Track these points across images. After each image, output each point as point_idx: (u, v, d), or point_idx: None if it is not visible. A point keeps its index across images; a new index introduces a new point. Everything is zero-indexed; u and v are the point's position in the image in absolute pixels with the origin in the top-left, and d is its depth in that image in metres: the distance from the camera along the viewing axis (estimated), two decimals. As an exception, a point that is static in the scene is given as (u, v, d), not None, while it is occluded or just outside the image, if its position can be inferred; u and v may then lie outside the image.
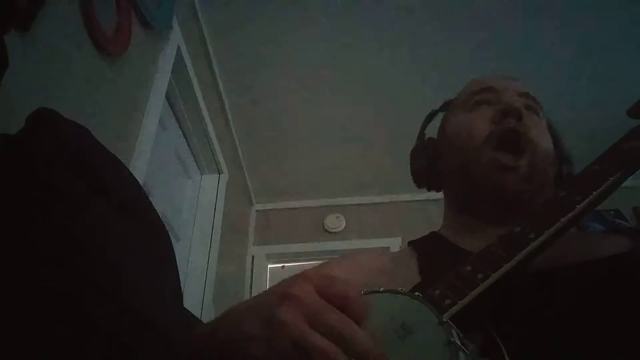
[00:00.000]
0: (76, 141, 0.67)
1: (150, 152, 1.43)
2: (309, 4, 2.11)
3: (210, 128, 2.24)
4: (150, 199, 0.76)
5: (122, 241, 0.61)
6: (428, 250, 0.67)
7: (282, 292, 0.35)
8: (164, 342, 0.51)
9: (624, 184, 0.51)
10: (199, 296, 2.05)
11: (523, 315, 0.47)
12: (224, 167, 2.50)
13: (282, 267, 3.32)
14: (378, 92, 2.59)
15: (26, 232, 0.50)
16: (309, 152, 3.04)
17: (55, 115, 0.69)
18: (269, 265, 3.30)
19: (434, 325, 0.37)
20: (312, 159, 3.10)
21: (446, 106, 0.82)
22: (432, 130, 0.83)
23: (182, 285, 0.81)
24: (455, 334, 0.35)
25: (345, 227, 3.39)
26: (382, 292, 0.42)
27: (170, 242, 0.73)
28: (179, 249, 1.98)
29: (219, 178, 2.49)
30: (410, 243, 0.73)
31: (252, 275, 3.15)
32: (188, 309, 0.70)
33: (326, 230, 3.38)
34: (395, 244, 3.09)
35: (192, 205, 2.30)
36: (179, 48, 1.75)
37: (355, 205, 3.45)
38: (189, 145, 2.24)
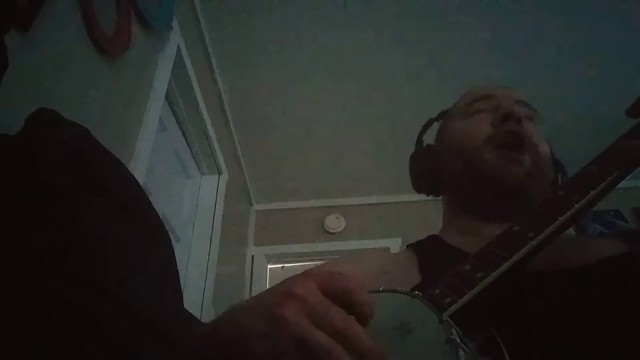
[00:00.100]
0: (76, 141, 0.67)
1: (150, 152, 1.43)
2: (309, 4, 2.11)
3: (209, 128, 2.24)
4: (150, 199, 0.76)
5: (122, 241, 0.61)
6: (428, 253, 0.67)
7: (285, 290, 0.35)
8: (164, 342, 0.51)
9: (623, 185, 0.51)
10: (199, 296, 2.05)
11: (523, 315, 0.47)
12: (223, 168, 2.50)
13: (282, 267, 3.32)
14: (378, 92, 2.59)
15: (26, 232, 0.50)
16: (309, 152, 3.04)
17: (55, 116, 0.69)
18: (269, 266, 3.31)
19: (434, 323, 0.37)
20: (312, 159, 3.10)
21: (443, 115, 0.84)
22: (428, 138, 0.84)
23: (182, 285, 0.81)
24: (455, 332, 0.35)
25: (345, 227, 3.39)
26: (382, 291, 0.42)
27: (170, 242, 0.73)
28: (178, 249, 1.98)
29: (218, 178, 2.49)
30: (409, 246, 0.73)
31: (251, 276, 3.15)
32: (188, 309, 0.70)
33: (326, 231, 3.38)
34: (395, 244, 3.09)
35: (192, 206, 2.30)
36: (179, 48, 1.75)
37: (355, 205, 3.45)
38: (188, 145, 2.24)
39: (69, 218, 0.55)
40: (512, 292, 0.45)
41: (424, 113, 0.88)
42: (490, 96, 0.72)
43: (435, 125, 0.85)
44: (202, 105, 2.09)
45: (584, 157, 0.57)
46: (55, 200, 0.55)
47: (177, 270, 0.72)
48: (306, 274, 0.37)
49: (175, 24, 1.69)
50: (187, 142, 2.21)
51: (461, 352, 0.34)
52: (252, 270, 3.18)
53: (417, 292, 0.41)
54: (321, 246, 3.28)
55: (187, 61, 1.87)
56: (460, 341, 0.35)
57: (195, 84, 1.98)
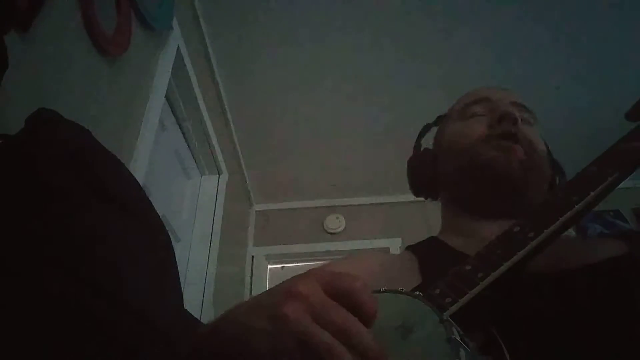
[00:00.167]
0: (76, 141, 0.68)
1: (150, 152, 1.43)
2: (309, 4, 2.11)
3: (210, 128, 2.24)
4: (150, 199, 0.76)
5: (122, 241, 0.61)
6: (428, 254, 0.67)
7: (288, 289, 0.35)
8: (164, 342, 0.51)
9: (623, 185, 0.51)
10: (199, 296, 2.05)
11: (523, 315, 0.47)
12: (223, 168, 2.50)
13: (282, 267, 3.32)
14: (378, 92, 2.59)
15: (26, 232, 0.51)
16: (309, 153, 3.04)
17: (55, 116, 0.69)
18: (269, 266, 3.30)
19: (434, 323, 0.37)
20: (312, 159, 3.10)
21: (440, 120, 0.84)
22: (426, 143, 0.85)
23: (182, 285, 0.81)
24: (456, 332, 0.36)
25: (345, 227, 3.39)
26: (383, 291, 0.42)
27: (170, 242, 0.73)
28: (178, 250, 1.98)
29: (218, 178, 2.49)
30: (409, 247, 0.74)
31: (251, 276, 3.15)
32: (188, 309, 0.70)
33: (326, 231, 3.38)
34: (395, 244, 3.09)
35: (192, 206, 2.30)
36: (179, 48, 1.75)
37: (355, 205, 3.45)
38: (188, 145, 2.24)
39: (68, 218, 0.55)
40: (513, 292, 0.45)
41: (423, 113, 0.88)
42: (487, 99, 0.73)
43: (433, 130, 0.85)
44: (202, 105, 2.09)
45: (582, 157, 0.57)
46: (55, 200, 0.55)
47: (177, 270, 0.72)
48: (309, 273, 0.37)
49: (175, 24, 1.69)
50: (187, 142, 2.21)
51: (462, 352, 0.34)
52: (252, 270, 3.18)
53: (418, 292, 0.41)
54: (321, 246, 3.28)
55: (187, 61, 1.87)
56: (461, 341, 0.35)
57: (195, 84, 1.98)
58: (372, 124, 2.81)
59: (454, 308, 0.39)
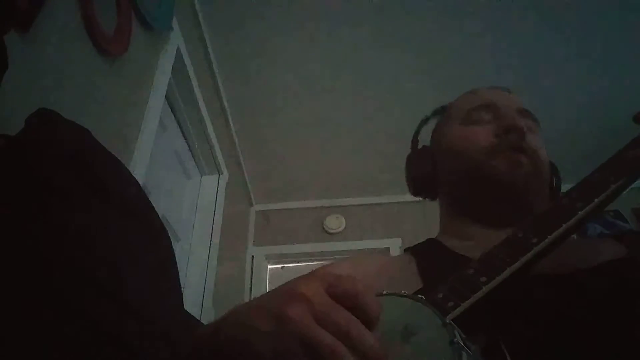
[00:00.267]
0: (76, 141, 0.67)
1: (150, 152, 1.43)
2: (309, 4, 2.11)
3: (210, 128, 2.24)
4: (150, 199, 0.76)
5: (122, 241, 0.61)
6: (427, 257, 0.67)
7: (291, 290, 0.35)
8: (164, 343, 0.51)
9: (623, 185, 0.51)
10: (199, 296, 2.05)
11: (525, 318, 0.47)
12: (223, 168, 2.50)
13: (282, 267, 3.32)
14: (379, 92, 2.59)
15: (26, 232, 0.50)
16: (309, 153, 3.04)
17: (55, 116, 0.69)
18: (269, 266, 3.31)
19: (437, 326, 0.37)
20: (312, 160, 3.10)
21: (439, 112, 0.83)
22: (423, 137, 0.84)
23: (182, 285, 0.81)
24: (458, 335, 0.36)
25: (345, 227, 3.39)
26: (385, 294, 0.42)
27: (170, 242, 0.73)
28: (178, 250, 1.98)
29: (218, 178, 2.49)
30: (407, 249, 0.73)
31: (251, 276, 3.15)
32: (188, 309, 0.70)
33: (326, 231, 3.38)
34: (395, 244, 3.09)
35: (192, 206, 2.30)
36: (179, 48, 1.75)
37: (355, 205, 3.45)
38: (188, 145, 2.24)
39: (69, 218, 0.55)
40: (515, 296, 0.45)
41: (424, 113, 0.87)
42: (493, 105, 0.71)
43: (431, 123, 0.84)
44: (202, 105, 2.09)
45: (581, 157, 0.57)
46: (55, 200, 0.55)
47: (177, 270, 0.72)
48: (312, 275, 0.37)
49: (175, 24, 1.69)
50: (187, 142, 2.21)
51: (464, 355, 0.34)
52: (252, 270, 3.18)
53: (420, 296, 0.41)
54: (321, 246, 3.28)
55: (187, 61, 1.87)
56: (464, 344, 0.35)
57: (195, 84, 1.98)
58: (372, 124, 2.81)
59: (456, 312, 0.39)
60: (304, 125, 2.82)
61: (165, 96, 1.67)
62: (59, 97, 0.98)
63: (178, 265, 0.73)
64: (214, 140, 2.33)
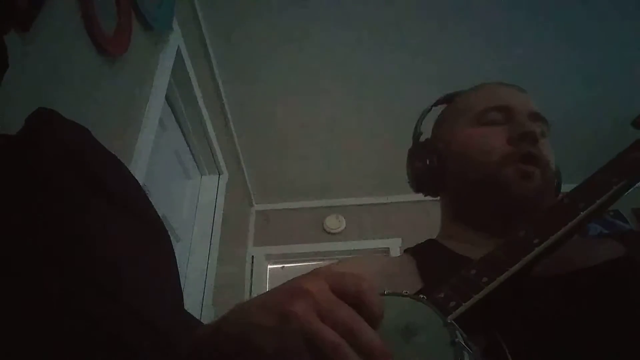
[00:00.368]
0: (76, 141, 0.67)
1: (150, 152, 1.42)
2: (309, 4, 2.11)
3: (210, 128, 2.24)
4: (150, 199, 0.76)
5: (122, 241, 0.61)
6: (427, 257, 0.67)
7: (294, 287, 0.35)
8: (165, 343, 0.51)
9: (624, 186, 0.51)
10: (199, 297, 2.05)
11: (526, 318, 0.47)
12: (223, 168, 2.50)
13: (282, 267, 3.32)
14: (378, 92, 2.59)
15: (26, 232, 0.50)
16: (309, 153, 3.04)
17: (55, 115, 0.69)
18: (269, 266, 3.31)
19: (438, 326, 0.37)
20: (312, 160, 3.10)
21: (443, 102, 0.81)
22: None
23: (182, 285, 0.81)
24: (459, 335, 0.35)
25: (345, 227, 3.39)
26: (387, 294, 0.42)
27: (170, 242, 0.73)
28: (179, 250, 1.98)
29: (218, 178, 2.49)
30: (407, 250, 0.73)
31: (251, 276, 3.15)
32: (188, 309, 0.70)
33: (326, 231, 3.38)
34: (395, 244, 3.09)
35: (192, 206, 2.30)
36: (179, 48, 1.75)
37: (355, 205, 3.45)
38: (188, 145, 2.24)
39: (68, 218, 0.55)
40: (517, 296, 0.45)
41: (424, 113, 0.87)
42: (505, 107, 0.69)
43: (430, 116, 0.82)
44: (202, 105, 2.09)
45: (583, 159, 0.57)
46: (55, 200, 0.55)
47: (177, 270, 0.72)
48: (315, 272, 0.37)
49: (175, 24, 1.69)
50: (187, 142, 2.21)
51: (466, 355, 0.34)
52: (252, 270, 3.18)
53: (422, 296, 0.41)
54: (321, 246, 3.28)
55: (187, 61, 1.87)
56: (465, 344, 0.35)
57: (195, 84, 1.98)
58: (372, 124, 2.81)
59: (458, 312, 0.39)
60: (304, 125, 2.82)
61: (165, 96, 1.67)
62: (59, 97, 0.98)
63: (178, 265, 0.73)
64: (214, 140, 2.32)
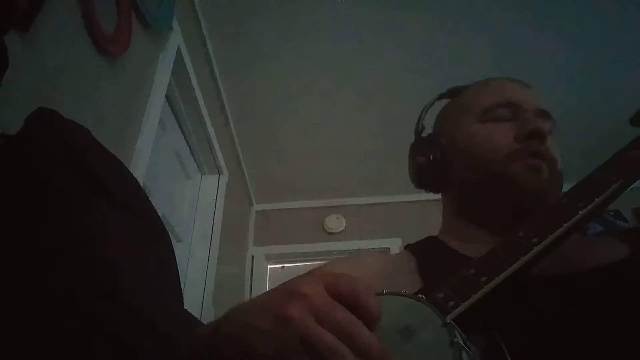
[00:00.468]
0: (76, 141, 0.67)
1: (150, 152, 1.42)
2: (309, 4, 2.11)
3: (210, 128, 2.24)
4: (150, 199, 0.76)
5: (122, 241, 0.61)
6: (427, 255, 0.66)
7: (291, 289, 0.35)
8: (165, 343, 0.51)
9: (623, 186, 0.51)
10: (199, 296, 2.05)
11: (526, 319, 0.47)
12: (223, 168, 2.50)
13: (282, 267, 3.32)
14: (378, 92, 2.59)
15: (26, 232, 0.50)
16: (309, 153, 3.04)
17: (55, 115, 0.69)
18: (269, 266, 3.31)
19: (437, 326, 0.37)
20: (312, 160, 3.10)
21: (446, 96, 0.80)
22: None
23: (181, 285, 0.81)
24: (458, 335, 0.36)
25: (345, 227, 3.39)
26: (386, 294, 0.42)
27: (170, 242, 0.73)
28: (179, 250, 1.98)
29: (218, 178, 2.49)
30: (407, 246, 0.72)
31: (252, 276, 3.15)
32: (188, 309, 0.70)
33: (326, 231, 3.38)
34: (395, 244, 3.09)
35: (192, 206, 2.30)
36: (179, 48, 1.75)
37: (355, 205, 3.45)
38: (188, 145, 2.24)
39: (68, 218, 0.55)
40: (516, 296, 0.45)
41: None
42: (513, 104, 0.68)
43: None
44: (202, 105, 2.09)
45: (583, 158, 0.57)
46: (55, 199, 0.55)
47: (177, 270, 0.72)
48: (312, 274, 0.37)
49: (175, 24, 1.69)
50: (187, 142, 2.21)
51: (465, 355, 0.34)
52: (252, 270, 3.18)
53: (420, 295, 0.41)
54: (321, 246, 3.28)
55: (187, 61, 1.87)
56: (464, 344, 0.35)
57: (195, 84, 1.98)
58: (372, 124, 2.81)
59: (456, 311, 0.39)
60: (304, 125, 2.82)
61: (165, 96, 1.67)
62: (59, 97, 0.98)
63: (178, 265, 0.73)
64: (214, 140, 2.32)
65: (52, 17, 0.94)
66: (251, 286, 3.09)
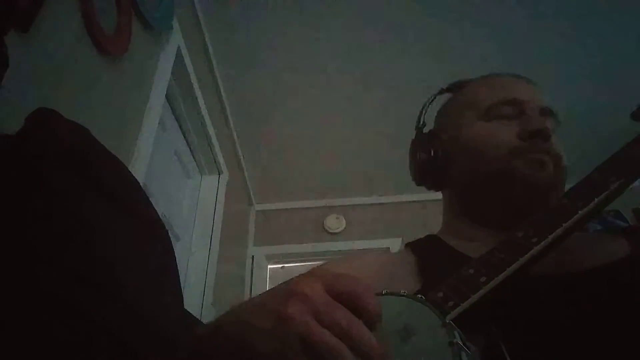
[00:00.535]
0: (76, 141, 0.67)
1: (150, 152, 1.42)
2: (309, 4, 2.11)
3: (210, 128, 2.24)
4: (150, 199, 0.76)
5: (122, 241, 0.61)
6: (427, 254, 0.66)
7: (291, 289, 0.35)
8: (165, 342, 0.51)
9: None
10: (199, 296, 2.05)
11: (526, 318, 0.47)
12: (223, 168, 2.50)
13: (282, 267, 3.32)
14: (379, 92, 2.59)
15: (26, 232, 0.50)
16: (309, 153, 3.04)
17: (55, 115, 0.69)
18: (269, 266, 3.31)
19: (436, 326, 0.37)
20: (312, 160, 3.10)
21: (449, 90, 0.79)
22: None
23: (182, 285, 0.81)
24: (457, 335, 0.36)
25: (345, 227, 3.39)
26: (385, 294, 0.42)
27: (170, 242, 0.73)
28: (179, 249, 1.98)
29: (218, 178, 2.49)
30: (407, 245, 0.72)
31: (252, 276, 3.15)
32: (188, 309, 0.70)
33: (326, 231, 3.38)
34: (395, 244, 3.09)
35: (192, 206, 2.30)
36: (179, 48, 1.75)
37: (355, 205, 3.45)
38: (188, 145, 2.24)
39: (68, 217, 0.55)
40: (516, 296, 0.45)
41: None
42: (516, 101, 0.67)
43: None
44: (202, 105, 2.09)
45: (582, 157, 0.57)
46: (54, 199, 0.55)
47: (177, 270, 0.72)
48: (312, 274, 0.37)
49: (175, 24, 1.69)
50: (187, 142, 2.21)
51: (464, 355, 0.34)
52: (252, 270, 3.18)
53: (420, 295, 0.41)
54: (321, 246, 3.28)
55: (187, 61, 1.87)
56: (463, 345, 0.35)
57: (195, 84, 1.98)
58: (373, 124, 2.81)
59: (456, 312, 0.39)
60: (304, 125, 2.82)
61: (165, 96, 1.67)
62: (59, 96, 0.98)
63: (178, 265, 0.73)
64: (214, 140, 2.32)
65: (52, 17, 0.94)
66: (251, 286, 3.09)
